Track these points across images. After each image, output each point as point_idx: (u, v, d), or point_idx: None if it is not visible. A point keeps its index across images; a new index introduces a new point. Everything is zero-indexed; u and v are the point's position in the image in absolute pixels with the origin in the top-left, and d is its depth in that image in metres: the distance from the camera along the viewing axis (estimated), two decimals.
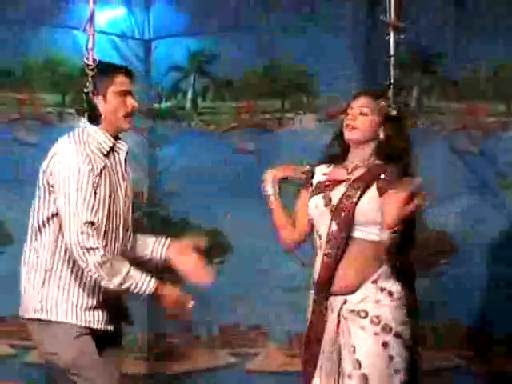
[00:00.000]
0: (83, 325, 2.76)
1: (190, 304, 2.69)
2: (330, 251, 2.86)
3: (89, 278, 2.68)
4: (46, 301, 2.68)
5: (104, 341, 2.84)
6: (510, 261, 3.81)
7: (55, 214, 2.63)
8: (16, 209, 3.60)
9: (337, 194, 2.80)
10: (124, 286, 2.60)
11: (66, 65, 3.78)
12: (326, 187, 2.88)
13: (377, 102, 2.87)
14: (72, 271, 2.72)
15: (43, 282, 2.70)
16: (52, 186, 2.56)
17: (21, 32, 3.81)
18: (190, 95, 4.14)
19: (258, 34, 3.97)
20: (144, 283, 2.69)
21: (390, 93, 3.15)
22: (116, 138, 2.80)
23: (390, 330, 2.84)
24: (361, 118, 2.80)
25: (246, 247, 3.75)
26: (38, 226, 2.64)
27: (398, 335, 2.85)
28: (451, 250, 3.83)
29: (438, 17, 3.95)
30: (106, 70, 2.81)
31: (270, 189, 3.02)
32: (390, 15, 3.22)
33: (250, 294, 3.64)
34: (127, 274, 2.60)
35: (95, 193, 2.67)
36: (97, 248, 2.54)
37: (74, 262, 2.65)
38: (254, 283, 3.71)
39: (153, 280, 2.70)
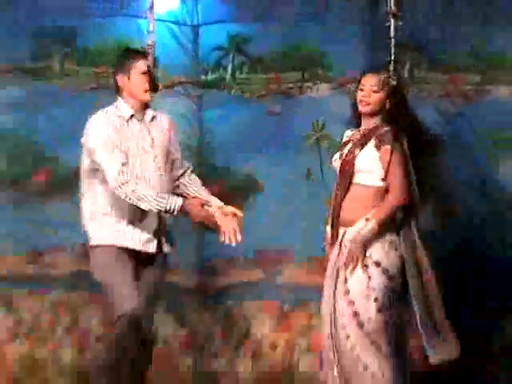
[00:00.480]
0: (120, 245, 3.49)
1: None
2: (337, 192, 3.61)
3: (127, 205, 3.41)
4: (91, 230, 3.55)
5: (145, 261, 3.55)
6: None
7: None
8: None
9: (345, 150, 3.61)
10: (156, 206, 3.35)
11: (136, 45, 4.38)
12: (342, 146, 3.67)
13: (380, 75, 3.61)
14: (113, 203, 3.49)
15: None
16: None
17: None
18: (229, 69, 4.89)
19: (283, 20, 4.66)
20: (172, 201, 3.42)
21: (391, 67, 4.10)
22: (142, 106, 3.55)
23: (376, 263, 3.50)
24: (373, 95, 3.51)
25: (277, 190, 4.56)
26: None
27: (382, 269, 3.49)
28: None
29: (428, 8, 4.63)
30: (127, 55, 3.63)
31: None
32: (390, 5, 4.18)
33: (277, 223, 4.53)
34: (157, 195, 3.37)
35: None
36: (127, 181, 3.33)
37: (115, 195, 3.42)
38: (283, 215, 4.57)
39: (180, 198, 3.46)
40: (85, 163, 3.53)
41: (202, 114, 4.79)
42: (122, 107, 3.54)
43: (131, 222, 3.49)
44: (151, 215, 3.48)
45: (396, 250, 3.51)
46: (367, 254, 3.47)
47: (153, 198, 3.34)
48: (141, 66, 3.59)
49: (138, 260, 3.53)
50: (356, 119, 3.66)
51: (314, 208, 4.36)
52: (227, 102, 4.82)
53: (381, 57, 4.35)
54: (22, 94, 4.70)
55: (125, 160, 3.41)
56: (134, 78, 3.56)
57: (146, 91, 3.58)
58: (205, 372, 4.63)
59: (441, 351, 3.54)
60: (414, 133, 3.51)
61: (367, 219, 3.40)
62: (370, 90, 3.51)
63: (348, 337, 3.54)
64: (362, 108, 3.53)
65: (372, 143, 3.53)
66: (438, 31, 4.68)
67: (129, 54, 3.71)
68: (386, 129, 3.49)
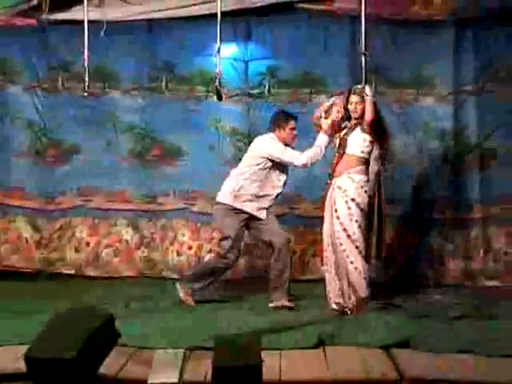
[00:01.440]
0: (238, 207, 5.80)
1: None
2: (337, 155, 5.57)
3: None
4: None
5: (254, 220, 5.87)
6: None
7: None
8: None
9: (341, 134, 5.63)
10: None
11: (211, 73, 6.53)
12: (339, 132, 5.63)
13: (359, 90, 5.58)
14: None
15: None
16: None
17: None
18: (266, 87, 7.18)
19: (299, 57, 7.00)
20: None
21: (363, 83, 5.77)
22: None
23: (352, 199, 5.36)
24: (357, 108, 5.49)
25: None
26: None
27: (356, 203, 5.35)
28: None
29: (385, 46, 6.85)
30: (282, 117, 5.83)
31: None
32: (362, 48, 5.92)
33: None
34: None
35: None
36: None
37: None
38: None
39: None
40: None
41: (250, 114, 7.19)
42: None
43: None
44: None
45: (365, 189, 5.44)
46: (347, 193, 5.33)
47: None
48: (292, 124, 5.85)
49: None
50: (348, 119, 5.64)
51: None
52: (265, 107, 7.08)
53: (355, 79, 6.34)
54: (142, 102, 7.37)
55: None
56: (288, 132, 5.85)
57: (291, 140, 5.85)
58: None
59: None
60: (380, 124, 5.61)
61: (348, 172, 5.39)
62: (356, 106, 5.49)
63: (341, 244, 5.38)
64: (352, 115, 5.56)
65: (358, 128, 5.44)
66: (390, 62, 7.00)
67: (285, 115, 5.94)
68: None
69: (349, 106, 5.54)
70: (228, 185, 5.94)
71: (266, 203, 5.87)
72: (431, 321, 5.29)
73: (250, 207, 5.87)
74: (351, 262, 5.38)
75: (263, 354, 3.49)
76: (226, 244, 5.85)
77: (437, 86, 7.14)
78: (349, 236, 5.37)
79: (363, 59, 5.89)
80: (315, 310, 5.65)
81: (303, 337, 4.79)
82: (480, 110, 7.11)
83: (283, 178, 5.92)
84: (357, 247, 5.36)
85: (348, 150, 5.56)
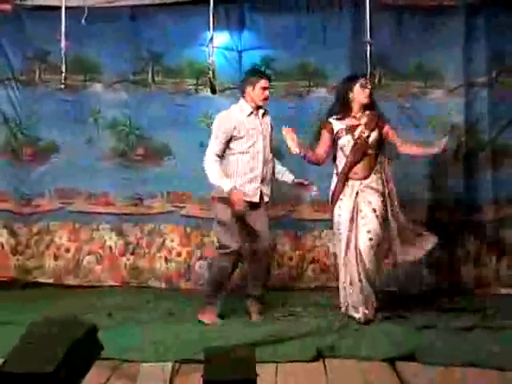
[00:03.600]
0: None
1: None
2: (348, 160, 5.60)
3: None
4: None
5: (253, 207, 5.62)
6: None
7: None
8: None
9: (356, 131, 5.58)
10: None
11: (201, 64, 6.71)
12: (349, 130, 5.62)
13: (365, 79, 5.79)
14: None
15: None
16: None
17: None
18: None
19: (296, 47, 7.02)
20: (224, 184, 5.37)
21: (368, 74, 6.04)
22: (258, 107, 5.56)
23: (374, 210, 5.55)
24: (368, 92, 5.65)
25: None
26: None
27: (376, 213, 5.53)
28: None
29: (389, 35, 7.01)
30: (253, 74, 5.70)
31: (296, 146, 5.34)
32: (366, 37, 6.14)
33: None
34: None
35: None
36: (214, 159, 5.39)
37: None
38: None
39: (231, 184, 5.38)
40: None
41: None
42: (245, 106, 5.69)
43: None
44: None
45: (383, 199, 5.65)
46: (370, 203, 5.56)
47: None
48: (263, 83, 5.67)
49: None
50: (343, 108, 5.65)
51: None
52: None
53: (356, 70, 6.40)
54: (127, 97, 7.39)
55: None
56: (258, 90, 5.68)
57: (262, 100, 5.66)
58: None
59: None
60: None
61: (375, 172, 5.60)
62: (368, 90, 5.63)
63: (369, 231, 5.58)
64: (366, 101, 5.65)
65: (376, 128, 5.62)
66: (396, 54, 7.07)
67: (256, 72, 5.87)
68: (373, 112, 5.66)
69: (363, 91, 5.66)
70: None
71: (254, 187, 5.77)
72: (439, 332, 5.34)
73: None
74: (371, 239, 5.57)
75: (258, 366, 3.53)
76: (226, 228, 5.70)
77: (446, 77, 7.19)
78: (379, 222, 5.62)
79: (368, 48, 5.98)
80: (313, 321, 5.70)
81: (301, 349, 4.85)
82: (493, 103, 7.16)
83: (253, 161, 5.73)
84: (380, 224, 5.62)
85: (371, 150, 5.73)
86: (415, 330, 5.40)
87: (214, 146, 5.64)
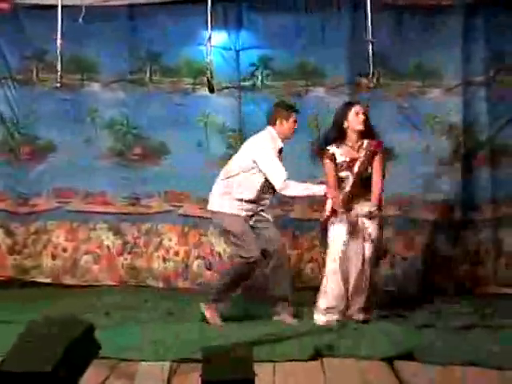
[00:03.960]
0: (242, 214, 5.59)
1: None
2: (354, 182, 5.50)
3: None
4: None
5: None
6: None
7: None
8: None
9: (355, 167, 5.48)
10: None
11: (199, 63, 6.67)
12: (349, 165, 5.51)
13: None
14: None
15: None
16: None
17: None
18: (259, 78, 7.25)
19: (294, 46, 7.06)
20: None
21: (371, 73, 5.98)
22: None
23: (371, 237, 5.48)
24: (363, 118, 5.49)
25: None
26: None
27: (372, 240, 5.48)
28: None
29: (389, 35, 7.05)
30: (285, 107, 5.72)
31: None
32: (368, 36, 5.98)
33: None
34: None
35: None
36: None
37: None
38: None
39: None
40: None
41: (241, 108, 7.25)
42: (276, 136, 5.71)
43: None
44: None
45: (379, 228, 5.59)
46: (369, 231, 5.48)
47: None
48: (294, 116, 5.74)
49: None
50: (338, 135, 5.55)
51: None
52: (258, 99, 7.21)
53: (356, 70, 6.81)
54: (124, 96, 7.42)
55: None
56: (291, 123, 5.75)
57: (293, 133, 5.78)
58: None
59: None
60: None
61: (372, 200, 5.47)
62: (363, 117, 5.46)
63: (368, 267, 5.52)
64: (360, 127, 5.51)
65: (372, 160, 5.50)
66: (395, 54, 7.13)
67: (289, 107, 5.84)
68: (369, 146, 5.52)
69: (358, 119, 5.58)
70: (215, 190, 5.86)
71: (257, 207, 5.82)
72: (438, 331, 5.34)
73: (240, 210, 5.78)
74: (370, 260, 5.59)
75: (256, 366, 3.51)
76: (242, 239, 5.71)
77: (444, 76, 7.24)
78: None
79: (370, 47, 5.92)
80: (312, 320, 5.69)
81: (299, 348, 4.84)
82: (491, 102, 7.20)
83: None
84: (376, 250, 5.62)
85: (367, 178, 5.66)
86: (414, 329, 5.41)
87: (277, 168, 5.64)
